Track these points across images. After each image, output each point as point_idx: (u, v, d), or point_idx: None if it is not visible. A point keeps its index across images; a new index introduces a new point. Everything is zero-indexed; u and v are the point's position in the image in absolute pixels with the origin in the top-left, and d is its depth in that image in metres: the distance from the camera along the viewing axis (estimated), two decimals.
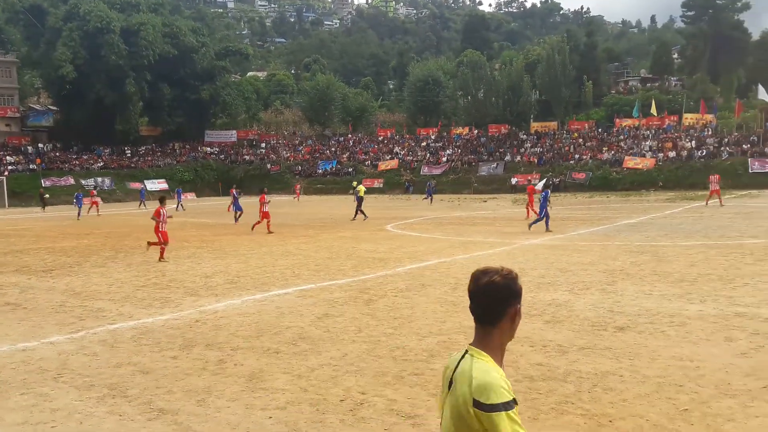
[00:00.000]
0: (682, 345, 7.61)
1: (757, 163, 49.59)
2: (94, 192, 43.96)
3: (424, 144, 70.84)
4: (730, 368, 6.67)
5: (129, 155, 70.37)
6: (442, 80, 79.15)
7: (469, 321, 8.98)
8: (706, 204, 30.98)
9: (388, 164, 66.94)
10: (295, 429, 5.47)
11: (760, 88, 60.87)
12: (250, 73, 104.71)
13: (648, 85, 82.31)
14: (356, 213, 29.72)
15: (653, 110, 62.67)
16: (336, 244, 19.89)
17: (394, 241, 20.20)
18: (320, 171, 69.05)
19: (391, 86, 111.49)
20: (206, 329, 9.11)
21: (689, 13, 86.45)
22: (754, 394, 5.89)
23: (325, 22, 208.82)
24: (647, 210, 30.15)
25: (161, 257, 16.73)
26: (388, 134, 75.85)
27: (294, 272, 14.24)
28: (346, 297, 11.13)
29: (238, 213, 30.63)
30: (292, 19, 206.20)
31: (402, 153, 69.56)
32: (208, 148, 74.43)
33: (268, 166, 70.54)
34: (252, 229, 24.60)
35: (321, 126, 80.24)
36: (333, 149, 73.56)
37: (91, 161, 66.42)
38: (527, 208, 27.66)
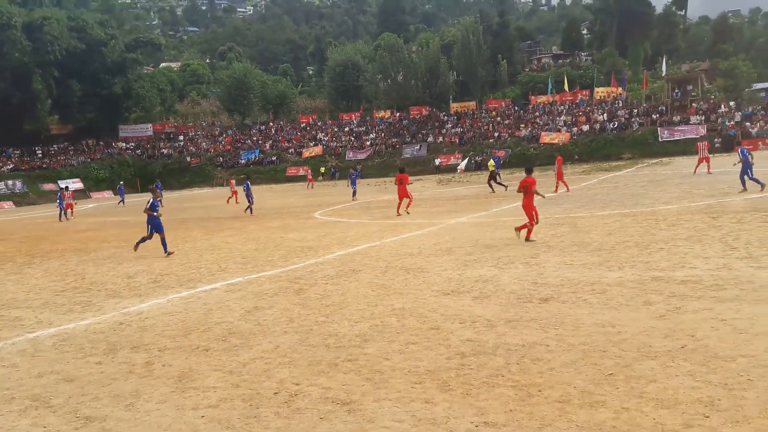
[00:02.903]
0: (603, 312, 7.92)
1: (666, 131, 52.13)
2: (72, 193, 39.66)
3: (347, 129, 70.68)
4: (650, 331, 6.99)
5: (40, 155, 67.04)
6: (361, 64, 79.02)
7: (400, 303, 9.10)
8: (695, 172, 30.09)
9: (312, 151, 66.47)
10: (229, 426, 5.37)
11: (664, 61, 63.92)
12: (163, 65, 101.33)
13: (560, 61, 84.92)
14: (491, 186, 30.68)
15: (566, 86, 64.81)
16: (263, 234, 19.61)
17: (323, 229, 20.10)
18: (243, 161, 67.84)
19: (311, 72, 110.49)
20: (131, 331, 8.80)
21: None
22: (674, 354, 6.20)
23: (238, 9, 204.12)
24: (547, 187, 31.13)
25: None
26: (311, 120, 75.23)
27: (220, 266, 13.94)
28: (276, 288, 10.99)
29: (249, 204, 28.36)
30: (204, 7, 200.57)
31: (326, 139, 69.16)
32: (124, 144, 71.76)
33: (188, 159, 68.73)
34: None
35: (241, 115, 78.68)
36: (255, 138, 72.36)
37: (0, 164, 62.82)
38: (558, 181, 26.88)
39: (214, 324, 8.82)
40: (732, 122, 51.43)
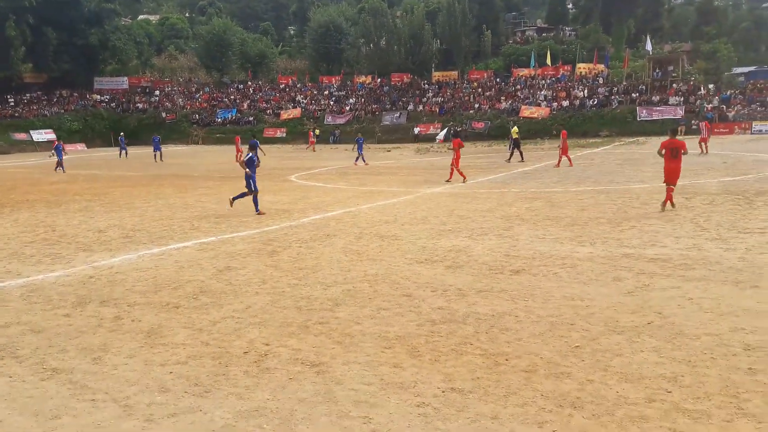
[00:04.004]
0: (573, 285, 8.02)
1: (644, 111, 52.46)
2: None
3: (327, 93, 69.90)
4: (618, 306, 7.10)
5: (12, 104, 65.20)
6: (343, 27, 77.78)
7: (373, 269, 9.09)
8: (703, 152, 29.43)
9: (290, 113, 65.68)
10: (197, 383, 5.36)
11: (648, 40, 64.02)
12: (141, 17, 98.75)
13: (544, 35, 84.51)
14: (511, 154, 30.62)
15: (548, 60, 64.63)
16: None
17: (298, 192, 19.98)
18: (219, 120, 66.83)
19: (292, 32, 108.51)
20: (101, 285, 8.71)
21: None
22: (640, 330, 6.31)
23: None
24: (542, 158, 31.32)
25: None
26: (290, 82, 74.17)
27: (193, 225, 13.80)
28: (249, 249, 10.93)
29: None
30: None
31: (305, 102, 68.38)
32: (98, 96, 70.11)
33: (164, 114, 67.47)
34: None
35: (219, 73, 77.16)
36: (232, 97, 71.17)
37: None
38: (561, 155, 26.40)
39: (185, 282, 8.76)
40: (710, 105, 51.91)
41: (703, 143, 30.14)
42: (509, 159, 29.96)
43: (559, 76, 62.51)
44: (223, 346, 6.24)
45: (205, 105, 69.92)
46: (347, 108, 65.53)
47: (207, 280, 8.82)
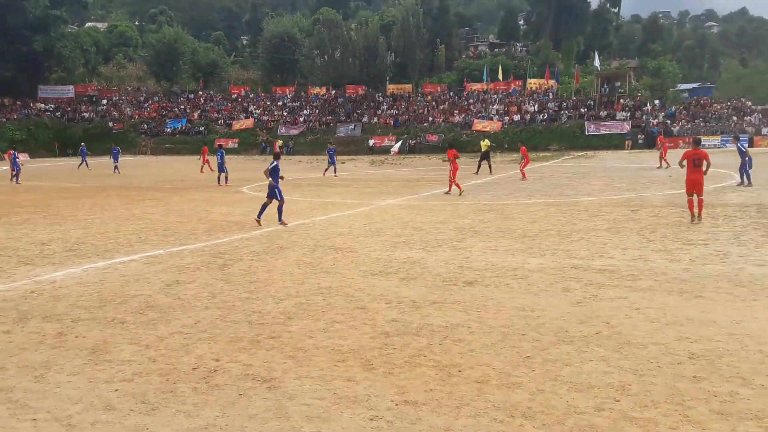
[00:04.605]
0: (524, 296, 8.12)
1: (592, 126, 53.88)
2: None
3: (280, 103, 69.52)
4: (567, 316, 7.21)
5: None
6: (297, 38, 77.63)
7: (327, 282, 8.99)
8: (667, 165, 29.50)
9: (242, 124, 65.07)
10: (144, 401, 5.20)
11: (596, 56, 65.86)
12: (89, 24, 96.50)
13: (496, 50, 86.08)
14: (479, 167, 30.62)
15: (500, 75, 65.83)
16: (187, 207, 19.08)
17: (251, 204, 19.73)
18: (168, 130, 65.73)
19: (245, 42, 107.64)
20: (43, 300, 8.39)
21: None
22: (588, 339, 6.42)
23: None
24: (494, 171, 31.74)
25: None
26: (243, 92, 73.49)
27: (140, 237, 13.47)
28: (199, 262, 10.72)
29: (222, 175, 27.18)
30: None
31: (258, 112, 67.83)
32: (42, 105, 68.10)
33: (110, 124, 65.93)
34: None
35: (168, 82, 75.89)
36: (182, 107, 70.08)
37: None
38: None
39: (131, 296, 8.52)
40: (656, 120, 53.62)
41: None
42: (477, 171, 30.20)
43: (510, 90, 63.70)
44: (170, 362, 6.08)
45: (155, 115, 68.66)
46: (301, 119, 65.31)
47: (154, 295, 8.60)
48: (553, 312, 7.38)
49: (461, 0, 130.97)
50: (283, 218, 14.83)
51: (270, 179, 14.63)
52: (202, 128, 64.81)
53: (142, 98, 73.19)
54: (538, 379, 5.44)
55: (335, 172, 30.96)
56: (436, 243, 12.05)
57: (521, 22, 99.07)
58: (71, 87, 71.85)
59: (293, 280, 9.30)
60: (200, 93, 73.53)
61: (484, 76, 65.57)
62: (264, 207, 14.92)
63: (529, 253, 10.84)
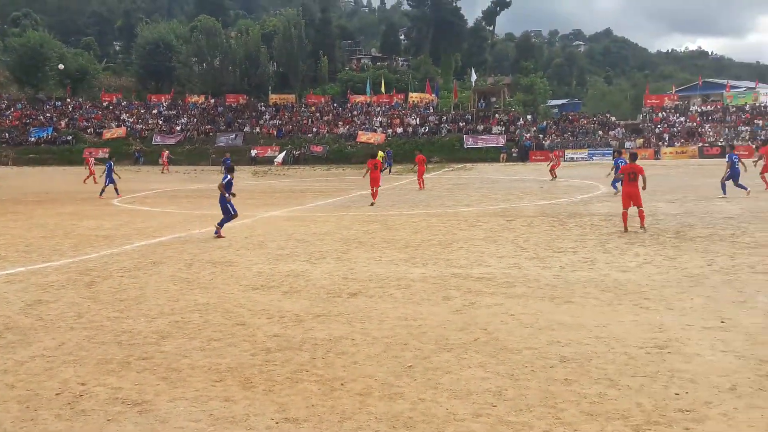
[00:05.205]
0: (407, 306, 8.19)
1: (471, 139, 56.00)
2: None
3: (155, 111, 66.77)
4: (448, 324, 7.34)
5: None
6: (174, 45, 75.04)
7: (204, 298, 8.63)
8: (552, 178, 30.57)
9: (114, 132, 61.91)
10: (1, 430, 4.72)
11: (473, 72, 68.64)
12: None
13: (378, 63, 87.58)
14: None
15: (383, 88, 67.01)
16: (53, 221, 17.77)
17: (122, 217, 18.73)
18: (33, 139, 61.25)
19: (118, 48, 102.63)
20: None
21: None
22: (467, 346, 6.56)
23: None
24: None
25: None
26: (114, 100, 69.90)
27: None
28: (64, 280, 9.97)
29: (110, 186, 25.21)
30: None
31: (131, 121, 64.75)
32: None
33: None
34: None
35: (33, 88, 70.75)
36: (48, 115, 65.55)
37: None
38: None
39: None
40: (528, 134, 56.56)
41: (554, 169, 31.32)
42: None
43: (393, 103, 64.93)
44: (31, 388, 5.59)
45: (17, 123, 63.77)
46: (178, 128, 63.07)
47: (14, 316, 7.90)
48: (434, 320, 7.50)
49: (343, 12, 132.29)
50: (221, 231, 14.31)
51: (226, 193, 14.30)
52: (69, 137, 60.92)
53: (3, 105, 67.77)
54: (419, 388, 5.48)
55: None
56: (320, 255, 11.95)
57: (402, 37, 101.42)
58: None
59: (168, 297, 8.86)
60: (68, 100, 69.12)
61: (368, 89, 66.45)
62: (225, 220, 14.48)
63: (412, 263, 10.99)
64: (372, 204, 21.14)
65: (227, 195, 14.33)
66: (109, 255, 12.23)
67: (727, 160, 21.01)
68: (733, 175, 20.35)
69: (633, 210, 14.00)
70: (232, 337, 6.99)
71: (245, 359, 6.29)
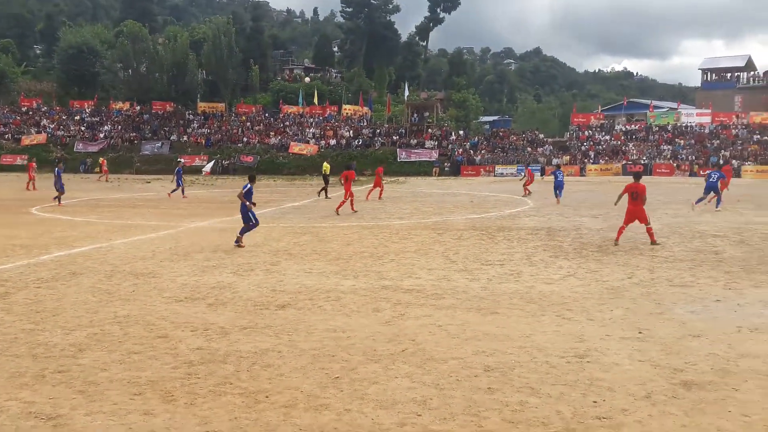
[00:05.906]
0: (336, 318, 8.17)
1: (404, 152, 56.50)
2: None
3: (78, 118, 64.33)
4: (377, 335, 7.37)
5: None
6: (98, 50, 72.61)
7: (125, 310, 8.38)
8: (525, 194, 30.02)
9: (33, 139, 59.25)
10: None
11: (406, 86, 69.40)
12: None
13: (311, 74, 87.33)
14: (323, 190, 29.82)
15: (315, 100, 66.83)
16: None
17: (40, 226, 17.91)
18: None
19: (39, 51, 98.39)
20: None
21: (348, 9, 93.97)
22: (395, 357, 6.60)
23: None
24: (310, 194, 32.02)
25: None
26: (34, 104, 66.92)
27: None
28: None
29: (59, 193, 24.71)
30: None
31: (52, 127, 62.13)
32: None
33: None
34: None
35: None
36: None
37: None
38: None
39: None
40: (460, 149, 57.57)
41: (526, 186, 31.01)
42: (319, 192, 29.98)
43: (326, 115, 64.81)
44: None
45: None
46: (101, 135, 60.97)
47: None
48: (364, 332, 7.51)
49: (276, 22, 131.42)
50: (242, 241, 14.23)
51: (247, 202, 14.18)
52: None
53: None
54: (345, 399, 5.46)
55: (183, 192, 28.90)
56: (248, 267, 11.77)
57: (335, 49, 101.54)
58: None
59: (86, 308, 8.52)
60: None
61: (300, 100, 66.13)
62: (245, 229, 14.38)
63: (343, 275, 10.97)
64: (354, 212, 21.94)
65: (248, 204, 14.26)
66: (26, 265, 11.66)
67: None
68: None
69: (632, 225, 14.48)
70: (153, 350, 6.78)
71: (166, 372, 6.11)
